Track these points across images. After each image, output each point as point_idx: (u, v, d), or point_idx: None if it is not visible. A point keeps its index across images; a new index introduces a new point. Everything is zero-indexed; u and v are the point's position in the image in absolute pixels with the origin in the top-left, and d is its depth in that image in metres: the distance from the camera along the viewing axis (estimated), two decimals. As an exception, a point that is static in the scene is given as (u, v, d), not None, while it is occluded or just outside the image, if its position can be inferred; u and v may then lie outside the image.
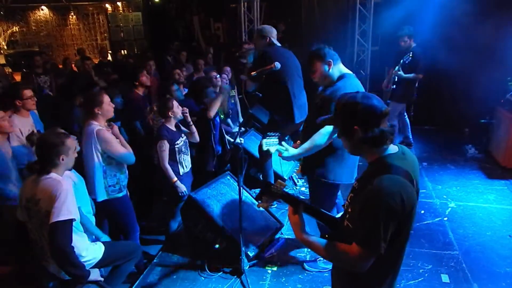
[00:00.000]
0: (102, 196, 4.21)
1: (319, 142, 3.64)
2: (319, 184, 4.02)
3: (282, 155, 3.72)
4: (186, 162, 4.98)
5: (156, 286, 4.18)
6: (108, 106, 4.24)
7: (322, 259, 4.39)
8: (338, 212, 4.65)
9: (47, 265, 3.36)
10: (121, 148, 4.23)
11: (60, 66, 11.01)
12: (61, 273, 3.31)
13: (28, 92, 4.99)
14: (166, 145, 4.67)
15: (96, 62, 11.41)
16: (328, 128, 3.57)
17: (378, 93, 9.06)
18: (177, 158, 4.84)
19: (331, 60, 3.73)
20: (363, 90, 3.70)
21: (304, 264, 4.46)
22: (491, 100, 7.37)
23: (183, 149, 4.92)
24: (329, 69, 3.76)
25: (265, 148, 3.77)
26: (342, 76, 3.79)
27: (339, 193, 4.36)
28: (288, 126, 5.43)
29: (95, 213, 4.09)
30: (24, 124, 4.84)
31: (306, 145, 3.71)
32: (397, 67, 7.17)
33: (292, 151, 3.72)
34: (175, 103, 4.85)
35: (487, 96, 7.29)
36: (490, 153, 7.46)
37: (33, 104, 5.08)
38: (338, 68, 3.81)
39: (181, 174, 4.87)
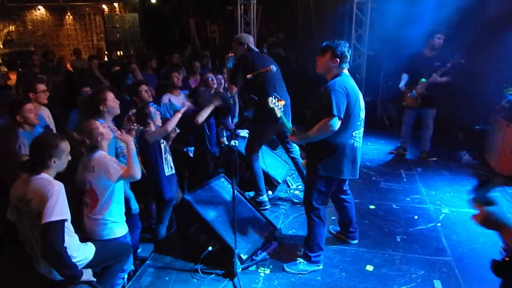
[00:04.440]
0: None
1: (319, 130, 3.95)
2: (315, 177, 4.21)
3: (285, 123, 4.24)
4: (170, 163, 4.91)
5: (148, 287, 4.16)
6: (113, 103, 4.24)
7: (303, 261, 4.41)
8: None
9: (36, 266, 3.35)
10: (112, 156, 4.13)
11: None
12: (51, 274, 3.30)
13: (41, 86, 5.18)
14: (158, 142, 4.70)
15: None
16: (327, 122, 3.85)
17: (373, 97, 9.12)
18: (163, 157, 4.77)
19: (338, 60, 4.02)
20: (356, 89, 4.04)
21: (284, 265, 4.46)
22: (486, 107, 7.40)
23: (168, 149, 4.89)
24: (333, 65, 4.05)
25: (271, 105, 4.19)
26: (338, 75, 4.04)
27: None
28: (272, 126, 5.51)
29: None
30: None
31: (306, 134, 4.10)
32: (434, 74, 7.01)
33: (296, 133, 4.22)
34: (152, 109, 4.81)
35: (482, 103, 7.32)
36: (485, 159, 7.49)
37: (45, 98, 5.24)
38: (341, 69, 4.08)
39: (167, 174, 4.81)
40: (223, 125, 6.24)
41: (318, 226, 4.32)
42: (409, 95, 7.30)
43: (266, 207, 5.72)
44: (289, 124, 4.31)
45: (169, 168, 4.85)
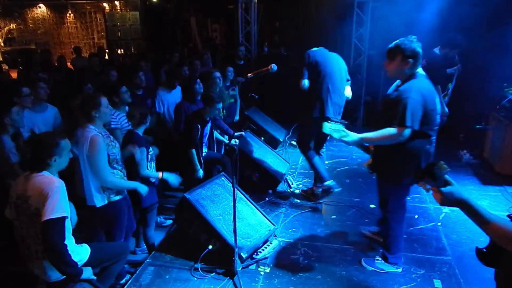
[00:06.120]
0: (101, 202, 4.10)
1: (386, 137, 3.76)
2: (397, 187, 4.12)
3: (344, 139, 3.91)
4: (154, 170, 4.86)
5: (148, 286, 4.15)
6: (106, 109, 4.11)
7: (381, 260, 4.40)
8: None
9: (32, 266, 3.34)
10: (105, 164, 4.05)
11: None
12: (45, 275, 3.30)
13: (26, 90, 5.16)
14: (144, 152, 4.57)
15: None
16: (399, 131, 3.68)
17: (374, 96, 9.11)
18: (148, 166, 4.71)
19: (412, 60, 3.75)
20: (434, 91, 3.79)
21: (362, 259, 4.48)
22: (486, 106, 7.39)
23: (153, 157, 4.83)
24: (406, 68, 3.79)
25: (327, 131, 3.99)
26: (412, 76, 3.81)
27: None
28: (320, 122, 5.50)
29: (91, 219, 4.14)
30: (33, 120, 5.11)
31: (371, 135, 3.86)
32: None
33: (353, 136, 3.89)
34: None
35: (482, 102, 7.31)
36: (485, 159, 7.49)
37: (30, 102, 5.22)
38: (415, 69, 3.82)
39: (152, 180, 4.77)
40: (220, 129, 6.23)
41: (396, 230, 4.27)
42: None
43: (335, 190, 5.71)
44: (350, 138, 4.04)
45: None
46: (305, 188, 6.29)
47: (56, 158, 3.25)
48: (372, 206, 5.79)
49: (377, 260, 4.42)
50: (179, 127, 5.99)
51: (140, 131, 4.69)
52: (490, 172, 7.04)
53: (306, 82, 5.55)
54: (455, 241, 4.94)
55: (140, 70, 6.84)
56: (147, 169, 4.66)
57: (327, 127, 4.00)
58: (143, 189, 4.33)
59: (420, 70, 3.83)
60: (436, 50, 6.79)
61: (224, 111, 6.99)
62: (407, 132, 3.65)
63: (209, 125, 5.69)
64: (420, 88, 3.69)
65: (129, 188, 4.27)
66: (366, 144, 4.22)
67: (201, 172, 5.52)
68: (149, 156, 4.73)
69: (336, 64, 5.55)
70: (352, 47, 9.85)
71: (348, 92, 5.70)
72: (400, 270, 4.35)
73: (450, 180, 2.17)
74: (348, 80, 5.73)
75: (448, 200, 2.16)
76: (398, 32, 7.66)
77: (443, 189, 2.15)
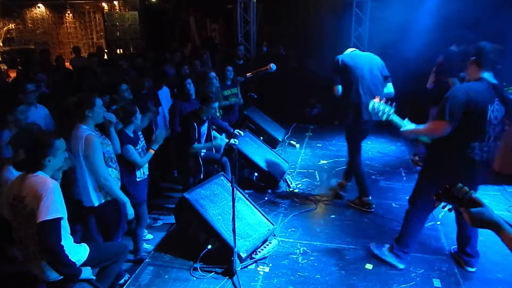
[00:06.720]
0: (98, 201, 4.10)
1: (425, 129, 3.92)
2: (424, 181, 4.20)
3: (401, 129, 4.01)
4: (144, 168, 4.79)
5: (147, 285, 4.16)
6: (99, 109, 4.08)
7: (388, 247, 4.47)
8: None
9: (31, 266, 3.34)
10: (102, 163, 4.03)
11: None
12: (44, 275, 3.29)
13: (31, 87, 5.28)
14: (132, 148, 4.55)
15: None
16: (437, 124, 3.78)
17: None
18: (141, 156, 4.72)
19: (475, 64, 3.85)
20: (485, 98, 3.75)
21: (372, 244, 4.63)
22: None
23: (142, 155, 4.73)
24: (469, 70, 3.91)
25: (370, 107, 4.06)
26: (474, 79, 3.85)
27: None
28: (356, 125, 5.50)
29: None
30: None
31: (414, 126, 3.99)
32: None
33: (410, 125, 4.01)
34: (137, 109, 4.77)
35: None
36: (484, 158, 7.47)
37: (35, 98, 5.33)
38: (476, 73, 3.86)
39: (138, 179, 4.72)
40: (215, 126, 6.23)
41: (416, 226, 4.30)
42: None
43: (372, 209, 5.71)
44: (399, 120, 4.08)
45: (141, 173, 4.78)
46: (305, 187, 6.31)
47: (50, 158, 3.23)
48: (371, 205, 5.79)
49: (386, 246, 4.50)
50: (174, 127, 6.01)
51: (129, 130, 4.65)
52: (489, 171, 7.03)
53: (339, 88, 5.43)
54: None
55: (146, 75, 6.89)
56: (141, 157, 4.68)
57: (375, 104, 4.05)
58: (130, 209, 4.27)
59: (487, 76, 3.84)
60: (454, 49, 6.79)
61: (221, 110, 7.01)
62: (445, 126, 3.69)
63: (206, 125, 5.69)
64: (469, 90, 3.73)
65: (119, 199, 4.20)
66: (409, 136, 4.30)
67: (218, 140, 5.73)
68: (139, 149, 4.72)
69: (367, 65, 5.36)
70: (351, 46, 9.84)
71: (389, 89, 5.56)
72: (403, 266, 4.36)
73: (479, 200, 2.11)
74: (387, 77, 5.53)
75: (478, 221, 2.09)
76: (397, 32, 7.74)
77: (472, 209, 2.10)
